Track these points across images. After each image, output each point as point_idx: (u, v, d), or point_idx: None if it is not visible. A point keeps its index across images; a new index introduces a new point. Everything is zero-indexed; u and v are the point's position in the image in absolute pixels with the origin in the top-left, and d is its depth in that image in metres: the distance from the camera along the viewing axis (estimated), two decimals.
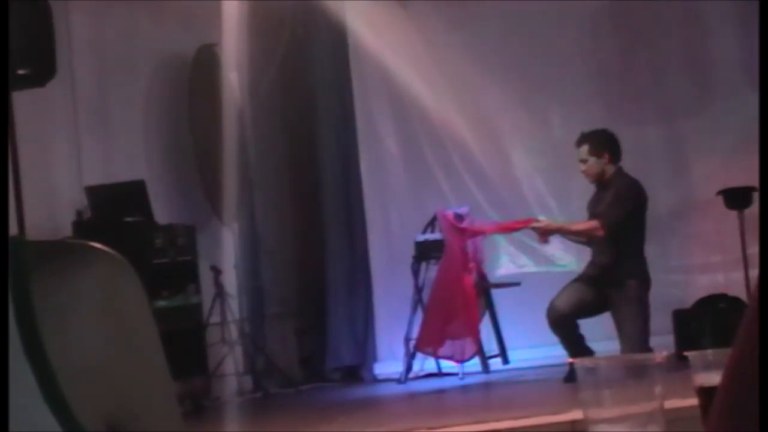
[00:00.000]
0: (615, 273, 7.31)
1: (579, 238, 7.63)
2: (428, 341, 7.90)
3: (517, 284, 7.96)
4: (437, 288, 8.00)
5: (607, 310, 7.37)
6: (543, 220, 7.62)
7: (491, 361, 8.17)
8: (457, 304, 7.82)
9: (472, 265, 7.84)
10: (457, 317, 7.80)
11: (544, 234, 7.55)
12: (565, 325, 7.31)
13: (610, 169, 7.42)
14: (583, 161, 7.43)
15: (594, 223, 7.37)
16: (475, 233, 7.88)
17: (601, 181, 7.46)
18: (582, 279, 7.46)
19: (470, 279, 7.79)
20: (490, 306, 7.98)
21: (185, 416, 1.09)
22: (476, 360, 8.07)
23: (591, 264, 7.51)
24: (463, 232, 7.87)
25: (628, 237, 7.33)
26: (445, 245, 8.02)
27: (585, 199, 8.14)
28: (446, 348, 7.85)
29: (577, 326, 7.38)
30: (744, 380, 1.00)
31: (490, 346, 8.13)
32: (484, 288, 7.98)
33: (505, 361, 7.75)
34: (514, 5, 8.96)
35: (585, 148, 7.42)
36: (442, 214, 8.07)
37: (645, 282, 7.37)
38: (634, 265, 7.35)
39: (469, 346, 7.77)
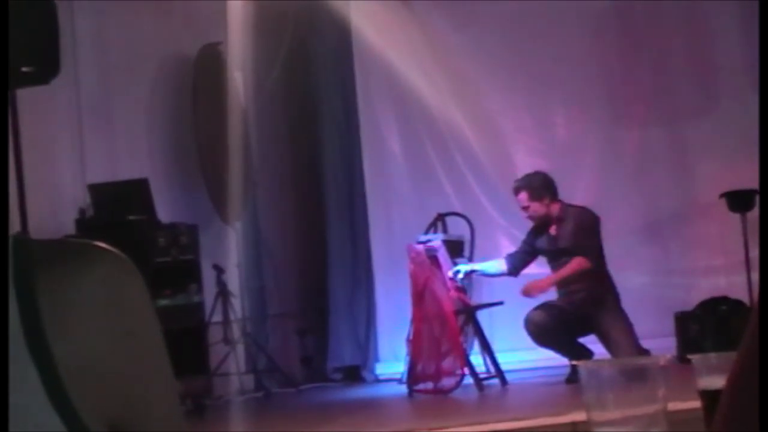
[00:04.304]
0: (593, 295, 7.45)
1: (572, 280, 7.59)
2: (423, 379, 7.80)
3: (501, 303, 7.95)
4: (420, 326, 7.78)
5: (589, 333, 7.44)
6: (529, 283, 7.57)
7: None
8: (443, 338, 7.73)
9: (452, 293, 7.76)
10: (447, 352, 7.73)
11: (541, 291, 7.55)
12: (547, 334, 7.35)
13: (555, 208, 7.59)
14: (525, 208, 7.59)
15: (579, 261, 7.44)
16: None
17: (547, 221, 7.59)
18: (557, 305, 7.55)
19: (450, 308, 7.69)
20: (478, 331, 7.89)
21: (187, 415, 1.08)
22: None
23: (566, 293, 7.57)
24: (436, 264, 7.75)
25: (595, 259, 7.48)
26: (420, 281, 7.75)
27: (589, 200, 8.14)
28: (442, 382, 7.76)
29: (562, 332, 7.38)
30: (749, 385, 1.00)
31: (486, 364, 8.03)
32: (468, 313, 7.89)
33: (504, 383, 7.70)
34: (519, 6, 8.95)
35: (523, 195, 7.59)
36: (411, 247, 7.84)
37: (617, 294, 7.54)
38: (606, 280, 7.53)
39: (462, 374, 7.72)
